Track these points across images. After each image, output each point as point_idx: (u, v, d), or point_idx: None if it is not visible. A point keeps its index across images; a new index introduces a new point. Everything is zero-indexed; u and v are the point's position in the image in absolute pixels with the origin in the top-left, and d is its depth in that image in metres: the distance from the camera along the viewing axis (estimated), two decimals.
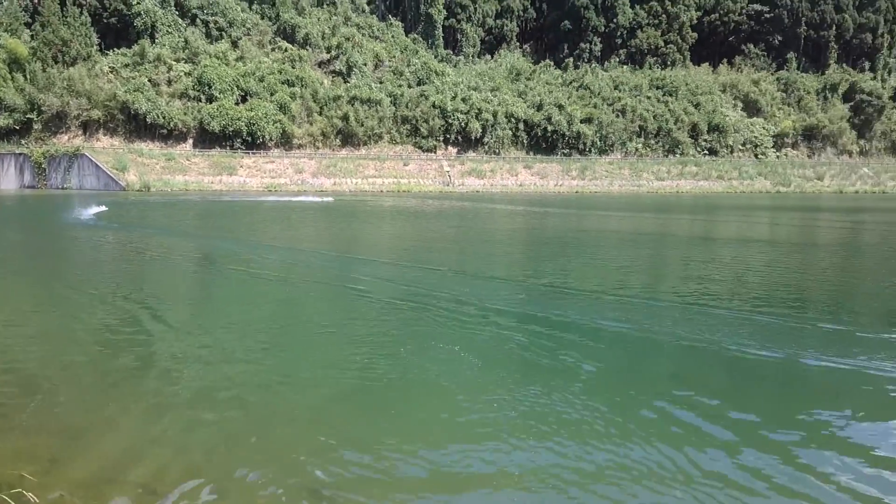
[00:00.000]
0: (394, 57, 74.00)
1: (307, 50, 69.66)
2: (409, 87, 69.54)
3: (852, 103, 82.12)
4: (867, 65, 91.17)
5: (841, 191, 72.60)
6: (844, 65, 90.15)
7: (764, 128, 79.25)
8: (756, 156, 77.14)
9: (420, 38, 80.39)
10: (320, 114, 63.89)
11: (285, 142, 61.61)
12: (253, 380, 6.64)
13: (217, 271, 14.07)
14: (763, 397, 6.41)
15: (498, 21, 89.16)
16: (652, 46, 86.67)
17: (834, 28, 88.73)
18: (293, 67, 66.07)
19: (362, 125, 64.08)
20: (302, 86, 64.18)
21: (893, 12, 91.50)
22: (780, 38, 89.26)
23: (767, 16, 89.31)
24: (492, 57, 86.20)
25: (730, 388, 6.62)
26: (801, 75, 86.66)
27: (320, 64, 70.25)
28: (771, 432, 5.47)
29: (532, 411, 5.85)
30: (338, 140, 63.97)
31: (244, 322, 9.12)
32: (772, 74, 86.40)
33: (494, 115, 68.06)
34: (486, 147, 68.37)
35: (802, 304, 10.88)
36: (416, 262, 15.15)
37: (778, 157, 78.05)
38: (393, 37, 78.53)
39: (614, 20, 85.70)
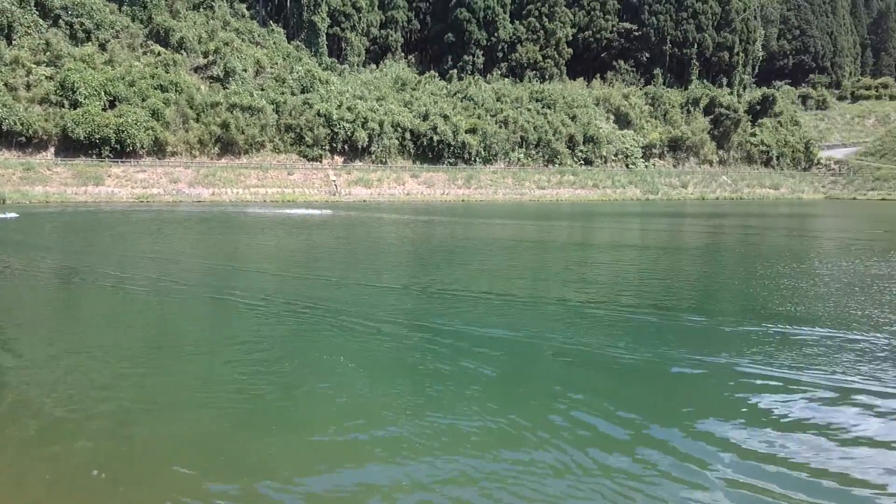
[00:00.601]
0: (276, 64, 72.33)
1: (182, 54, 66.63)
2: (293, 94, 68.14)
3: (712, 116, 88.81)
4: (725, 81, 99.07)
5: (703, 197, 78.17)
6: (705, 80, 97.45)
7: (634, 139, 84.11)
8: (627, 165, 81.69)
9: (303, 46, 79.10)
10: (197, 121, 61.25)
11: (158, 150, 58.53)
12: (114, 408, 6.14)
13: (81, 287, 13.10)
14: (639, 391, 6.75)
15: (383, 31, 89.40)
16: (531, 61, 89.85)
17: (695, 46, 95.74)
18: (167, 72, 62.99)
19: (243, 133, 62.03)
20: (177, 91, 61.27)
21: (747, 33, 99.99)
22: (647, 55, 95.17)
23: (636, 34, 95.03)
24: (377, 66, 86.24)
25: (609, 384, 6.91)
26: (667, 90, 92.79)
27: (196, 69, 67.43)
28: (649, 422, 5.77)
29: (425, 419, 5.84)
30: (217, 148, 61.54)
31: (111, 343, 8.55)
32: (640, 89, 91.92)
33: (381, 124, 68.02)
34: (373, 156, 68.17)
35: (671, 303, 11.58)
36: (300, 272, 14.83)
37: (647, 166, 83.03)
38: (275, 43, 76.75)
39: (495, 34, 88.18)
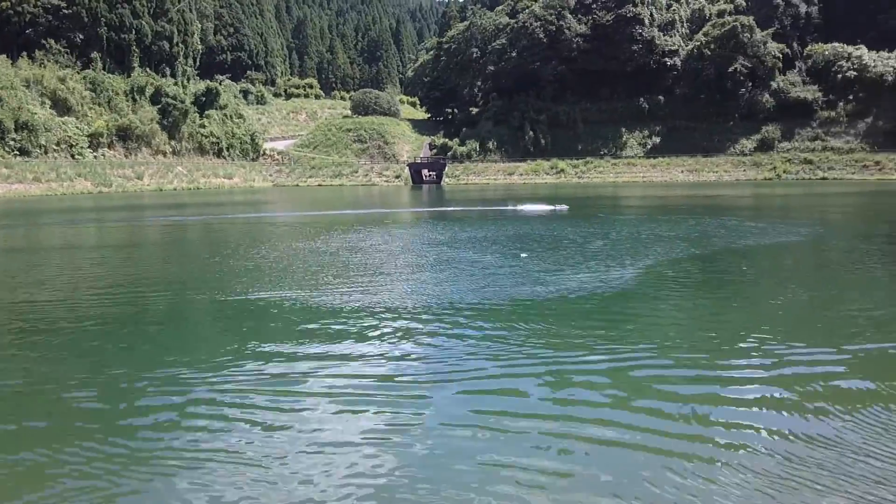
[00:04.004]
0: None
1: None
2: None
3: (160, 106, 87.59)
4: (169, 71, 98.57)
5: (161, 189, 77.06)
6: (148, 69, 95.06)
7: (77, 127, 76.90)
8: (73, 156, 74.35)
9: None
10: None
11: None
12: None
13: None
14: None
15: None
16: None
17: (134, 33, 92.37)
18: None
19: None
20: None
21: (184, 25, 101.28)
22: (82, 36, 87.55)
23: (66, 12, 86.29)
24: None
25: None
26: (109, 76, 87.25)
27: None
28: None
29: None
30: None
31: None
32: (78, 73, 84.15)
33: None
34: None
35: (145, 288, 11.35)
36: None
37: (96, 157, 77.10)
38: None
39: None
